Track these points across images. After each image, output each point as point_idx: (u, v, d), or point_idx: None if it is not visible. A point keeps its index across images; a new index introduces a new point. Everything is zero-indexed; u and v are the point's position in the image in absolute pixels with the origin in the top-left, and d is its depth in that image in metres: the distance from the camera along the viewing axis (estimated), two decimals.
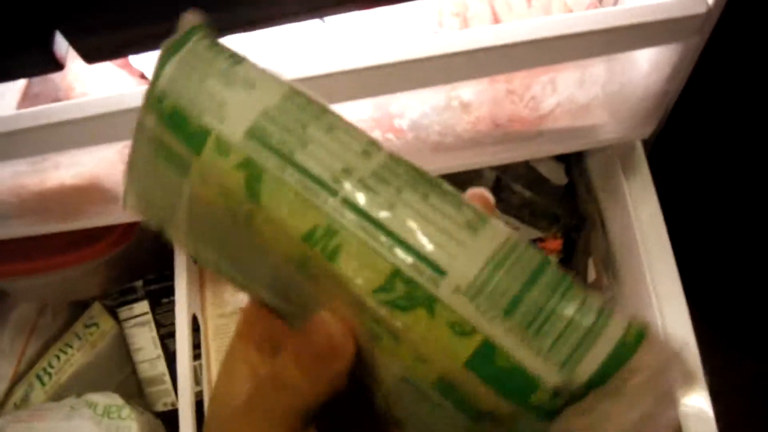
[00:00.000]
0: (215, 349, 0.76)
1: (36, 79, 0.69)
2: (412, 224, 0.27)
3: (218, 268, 0.34)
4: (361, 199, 0.28)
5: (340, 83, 0.53)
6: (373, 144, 0.30)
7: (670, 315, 0.69)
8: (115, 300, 0.88)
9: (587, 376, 0.25)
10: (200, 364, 0.75)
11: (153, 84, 0.31)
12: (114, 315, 0.89)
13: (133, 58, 0.67)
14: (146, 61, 0.66)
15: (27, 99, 0.68)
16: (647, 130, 0.73)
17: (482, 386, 0.26)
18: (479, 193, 0.33)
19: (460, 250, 0.27)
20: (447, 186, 0.30)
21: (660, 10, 0.54)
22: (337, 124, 0.30)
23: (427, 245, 0.27)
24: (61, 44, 0.39)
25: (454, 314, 0.26)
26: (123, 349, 0.89)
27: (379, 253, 0.27)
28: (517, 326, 0.26)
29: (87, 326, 0.88)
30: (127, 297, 0.86)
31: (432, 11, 0.64)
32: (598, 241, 0.81)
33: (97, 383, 0.86)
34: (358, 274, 0.27)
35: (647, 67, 0.62)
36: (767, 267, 0.93)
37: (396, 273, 0.27)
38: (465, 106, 0.60)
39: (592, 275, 0.82)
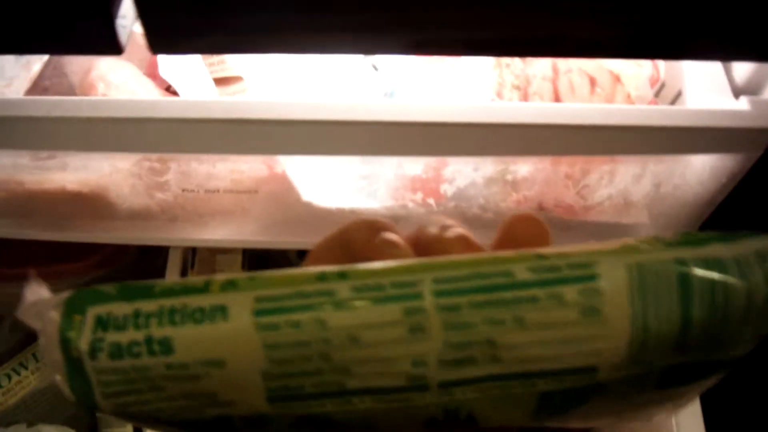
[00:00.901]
0: None
1: (48, 73, 0.64)
2: (533, 355, 0.23)
3: None
4: (457, 377, 0.23)
5: (399, 134, 0.49)
6: (410, 301, 0.23)
7: None
8: None
9: None
10: None
11: (86, 398, 0.24)
12: None
13: (163, 68, 0.62)
14: (176, 73, 0.62)
15: (35, 92, 0.63)
16: None
17: None
18: (528, 219, 0.27)
19: (594, 341, 0.23)
20: (540, 278, 0.23)
21: (731, 117, 0.52)
22: (352, 325, 0.23)
23: (561, 363, 0.23)
24: (125, 20, 0.34)
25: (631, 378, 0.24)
26: None
27: (518, 396, 0.24)
28: None
29: None
30: None
31: (491, 80, 0.61)
32: None
33: (48, 412, 0.78)
34: (507, 418, 0.24)
35: (706, 173, 0.59)
36: None
37: (547, 396, 0.24)
38: (517, 183, 0.56)
39: None
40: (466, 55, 0.43)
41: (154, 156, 0.54)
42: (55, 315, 0.24)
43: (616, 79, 0.62)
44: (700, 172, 0.59)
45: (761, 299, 0.23)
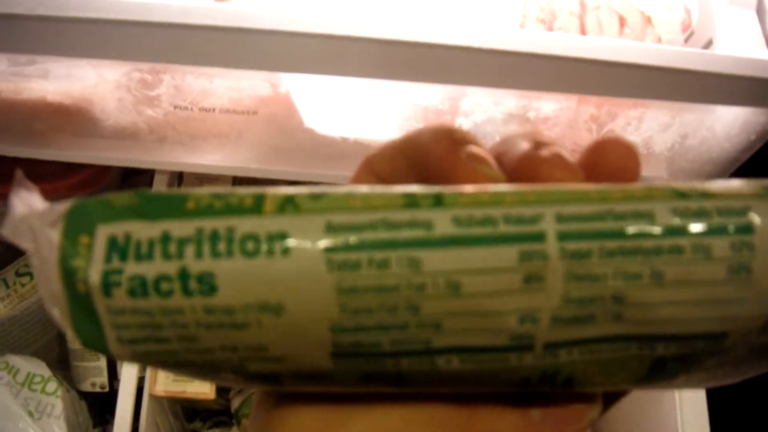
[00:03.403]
0: None
1: None
2: (666, 316, 0.18)
3: None
4: (569, 336, 0.19)
5: (416, 56, 0.45)
6: (530, 241, 0.18)
7: None
8: None
9: None
10: None
11: (98, 344, 0.19)
12: None
13: None
14: None
15: None
16: None
17: None
18: (618, 143, 0.21)
19: (735, 305, 0.18)
20: (684, 225, 0.19)
21: None
22: (455, 268, 0.18)
23: (695, 328, 0.19)
24: None
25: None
26: None
27: (629, 360, 0.19)
28: None
29: (19, 275, 0.75)
30: None
31: (515, 11, 0.56)
32: None
33: (15, 342, 0.74)
34: (609, 381, 0.20)
35: (737, 128, 0.56)
36: None
37: (662, 360, 0.19)
38: (538, 122, 0.52)
39: None
40: None
41: (146, 66, 0.49)
42: (53, 235, 0.18)
43: (647, 20, 0.58)
44: (730, 125, 0.56)
45: None
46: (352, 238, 0.17)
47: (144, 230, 0.18)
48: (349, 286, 0.17)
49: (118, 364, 0.72)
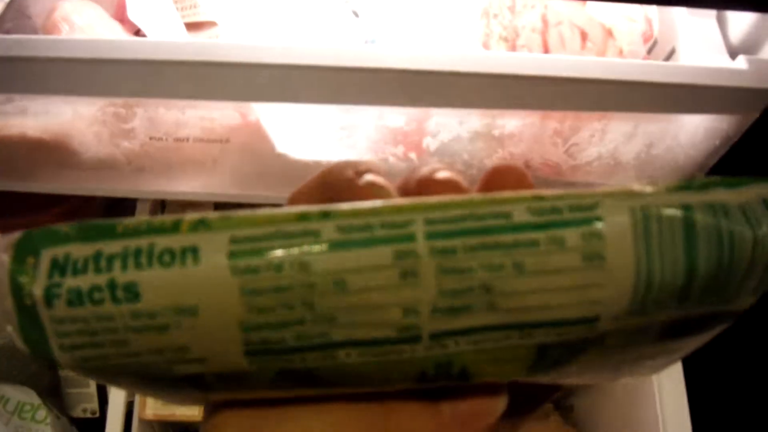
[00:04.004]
0: None
1: (10, 15, 0.61)
2: (532, 303, 0.21)
3: None
4: (450, 326, 0.21)
5: (381, 82, 0.46)
6: (401, 242, 0.21)
7: None
8: None
9: None
10: None
11: (42, 351, 0.21)
12: None
13: (132, 11, 0.58)
14: (146, 16, 0.58)
15: None
16: None
17: None
18: (510, 169, 0.25)
19: (595, 289, 0.21)
20: (539, 220, 0.21)
21: (729, 76, 0.50)
22: (339, 268, 0.21)
23: (562, 313, 0.21)
24: None
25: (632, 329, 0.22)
26: None
27: (515, 349, 0.22)
28: None
29: None
30: None
31: (478, 31, 0.58)
32: None
33: (5, 372, 0.75)
34: (501, 372, 0.22)
35: (700, 135, 0.57)
36: None
37: (544, 348, 0.22)
38: (503, 138, 0.53)
39: None
40: None
41: (119, 101, 0.51)
42: (4, 258, 0.21)
43: (608, 33, 0.60)
44: (693, 133, 0.57)
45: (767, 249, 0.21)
46: (251, 247, 0.20)
47: (80, 250, 0.20)
48: (251, 287, 0.20)
49: (108, 389, 0.73)
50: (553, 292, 0.21)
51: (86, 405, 0.74)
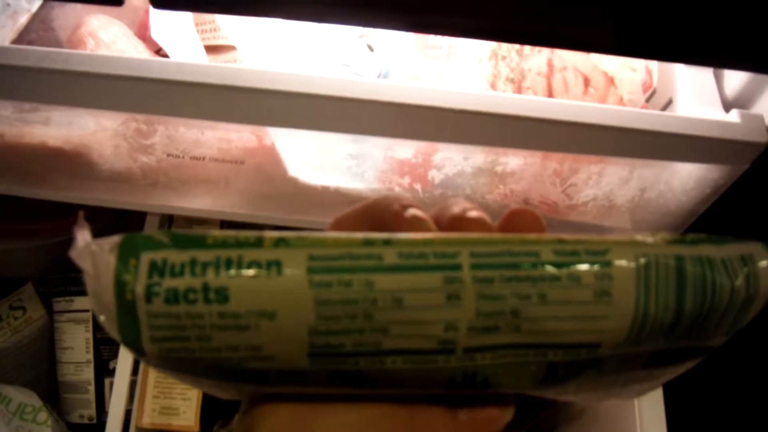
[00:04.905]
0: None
1: (35, 26, 0.63)
2: (550, 328, 0.26)
3: None
4: (481, 343, 0.26)
5: (392, 115, 0.48)
6: (449, 271, 0.25)
7: None
8: (54, 287, 0.79)
9: None
10: (135, 381, 0.67)
11: (134, 345, 0.25)
12: (47, 303, 0.80)
13: (155, 30, 0.61)
14: (168, 35, 0.60)
15: (20, 43, 0.61)
16: None
17: None
18: (527, 212, 0.29)
19: (601, 321, 0.26)
20: (561, 260, 0.26)
21: (723, 128, 0.53)
22: (398, 287, 0.25)
23: (572, 338, 0.26)
24: None
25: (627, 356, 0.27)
26: (46, 343, 0.80)
27: (529, 365, 0.26)
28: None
29: (13, 308, 0.78)
30: (69, 287, 0.77)
31: (486, 71, 0.60)
32: None
33: (6, 374, 0.76)
34: (516, 383, 0.27)
35: (692, 182, 0.59)
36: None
37: (553, 366, 0.27)
38: (505, 175, 0.56)
39: None
40: (461, 37, 0.43)
41: (142, 117, 0.53)
42: (111, 258, 0.24)
43: (610, 81, 0.62)
44: (685, 180, 0.59)
45: (741, 297, 0.26)
46: (327, 264, 0.24)
47: (176, 256, 0.24)
48: (324, 299, 0.24)
49: (107, 396, 0.75)
50: (567, 320, 0.25)
51: (83, 411, 0.75)
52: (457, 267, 0.25)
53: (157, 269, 0.24)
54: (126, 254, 0.24)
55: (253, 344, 0.25)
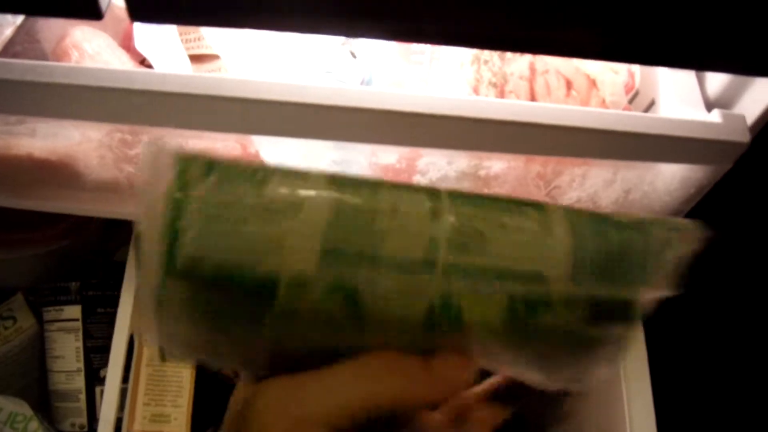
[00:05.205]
0: (146, 376, 0.69)
1: (20, 38, 0.63)
2: (507, 252, 0.32)
3: None
4: (456, 261, 0.31)
5: (374, 122, 0.49)
6: (433, 195, 0.32)
7: None
8: (44, 297, 0.79)
9: None
10: (125, 389, 0.68)
11: (171, 249, 0.29)
12: (37, 313, 0.81)
13: (138, 41, 0.61)
14: (152, 46, 0.61)
15: (5, 56, 0.61)
16: None
17: None
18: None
19: (547, 249, 0.32)
20: (512, 201, 0.34)
21: (705, 129, 0.54)
22: (395, 200, 0.31)
23: (526, 265, 0.32)
24: None
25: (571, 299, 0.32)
26: (36, 352, 0.80)
27: (494, 296, 0.31)
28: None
29: (3, 318, 0.79)
30: (59, 296, 0.78)
31: (469, 75, 0.61)
32: None
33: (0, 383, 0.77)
34: (483, 320, 0.31)
35: (675, 183, 0.60)
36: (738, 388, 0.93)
37: (513, 300, 0.31)
38: (489, 179, 0.56)
39: None
40: (444, 44, 0.43)
41: (127, 128, 0.53)
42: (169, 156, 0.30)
43: (592, 83, 0.63)
44: (669, 181, 0.60)
45: (654, 254, 0.33)
46: (342, 180, 0.31)
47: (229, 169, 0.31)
48: (340, 207, 0.30)
49: (98, 404, 0.75)
50: (521, 246, 0.31)
51: (75, 419, 0.75)
52: (438, 193, 0.32)
53: (211, 165, 0.30)
54: (186, 162, 0.30)
55: (273, 237, 0.28)
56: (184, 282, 0.28)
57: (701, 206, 0.63)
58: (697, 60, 0.42)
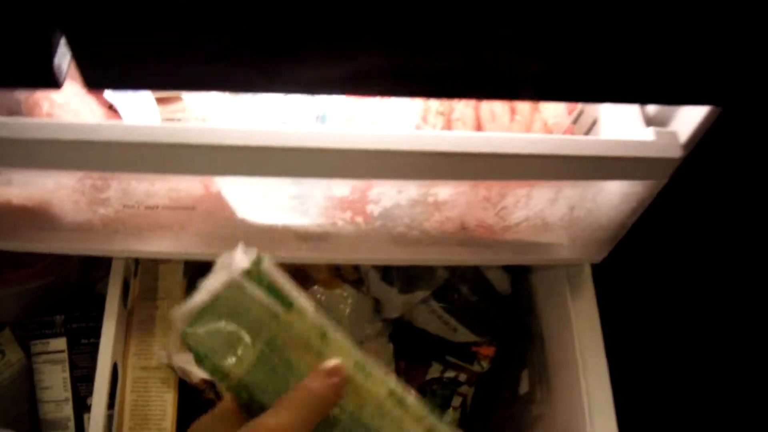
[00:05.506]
0: (131, 402, 0.72)
1: None
2: None
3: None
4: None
5: (327, 160, 0.53)
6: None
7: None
8: (30, 331, 0.83)
9: None
10: (112, 415, 0.71)
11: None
12: (24, 346, 0.84)
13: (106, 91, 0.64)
14: (119, 95, 0.64)
15: None
16: (599, 256, 0.74)
17: None
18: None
19: None
20: None
21: (638, 147, 0.57)
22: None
23: None
24: (64, 57, 0.36)
25: None
26: (26, 384, 0.84)
27: None
28: None
29: None
30: (44, 330, 0.81)
31: (417, 105, 0.65)
32: (535, 353, 0.82)
33: None
34: None
35: (617, 198, 0.63)
36: (694, 387, 0.97)
37: None
38: (439, 204, 0.60)
39: (525, 387, 0.82)
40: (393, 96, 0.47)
41: (96, 174, 0.57)
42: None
43: (535, 107, 0.67)
44: (610, 197, 0.63)
45: None
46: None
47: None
48: None
49: (87, 430, 0.78)
50: None
51: None
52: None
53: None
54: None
55: None
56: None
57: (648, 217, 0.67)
58: (631, 96, 0.45)
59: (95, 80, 0.39)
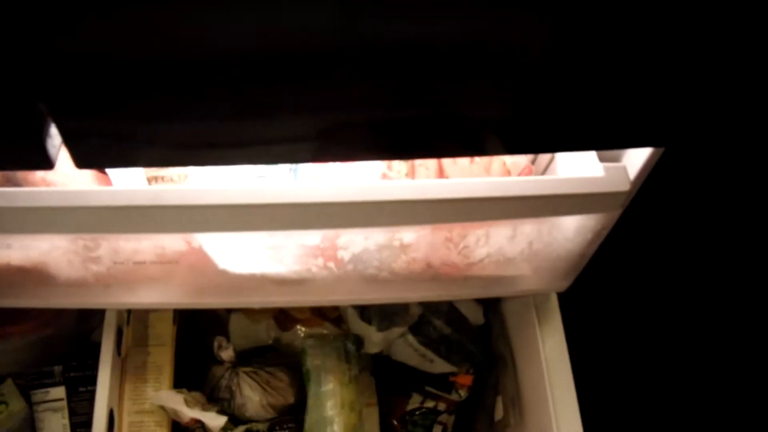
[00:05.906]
0: None
1: None
2: None
3: None
4: None
5: (298, 213, 0.57)
6: None
7: None
8: (30, 381, 0.87)
9: None
10: None
11: None
12: (25, 395, 0.88)
13: None
14: None
15: None
16: (564, 285, 0.79)
17: None
18: None
19: None
20: None
21: (588, 184, 0.60)
22: None
23: None
24: (55, 140, 0.40)
25: None
26: (29, 431, 0.88)
27: None
28: None
29: None
30: (44, 380, 0.85)
31: None
32: (508, 380, 0.86)
33: None
34: None
35: (572, 231, 0.68)
36: (660, 410, 1.00)
37: None
38: (404, 247, 0.64)
39: (499, 413, 0.86)
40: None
41: (87, 236, 0.61)
42: None
43: None
44: (566, 230, 0.68)
45: None
46: None
47: None
48: None
49: None
50: None
51: None
52: None
53: None
54: None
55: None
56: None
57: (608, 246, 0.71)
58: (586, 144, 0.49)
59: (84, 161, 0.43)
